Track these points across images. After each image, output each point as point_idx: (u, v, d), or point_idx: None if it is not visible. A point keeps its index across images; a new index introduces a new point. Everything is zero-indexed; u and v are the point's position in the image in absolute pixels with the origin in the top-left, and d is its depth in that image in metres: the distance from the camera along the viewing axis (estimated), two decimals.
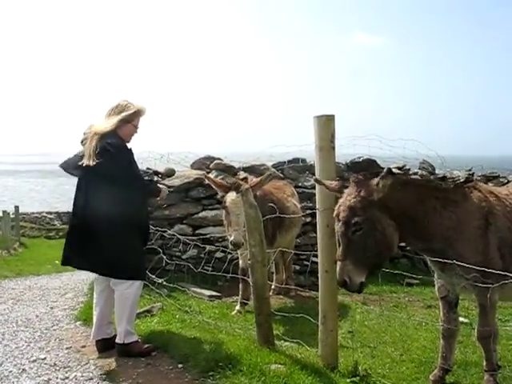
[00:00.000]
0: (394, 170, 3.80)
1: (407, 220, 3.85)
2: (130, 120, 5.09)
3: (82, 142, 5.13)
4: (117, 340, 5.11)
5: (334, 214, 3.87)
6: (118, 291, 5.08)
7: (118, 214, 4.81)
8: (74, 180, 5.09)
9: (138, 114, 5.15)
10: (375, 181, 3.74)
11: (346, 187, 3.96)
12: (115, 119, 4.99)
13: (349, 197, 3.80)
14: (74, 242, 5.11)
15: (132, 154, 5.11)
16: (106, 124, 4.99)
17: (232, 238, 5.94)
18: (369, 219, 3.72)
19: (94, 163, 4.82)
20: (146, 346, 5.16)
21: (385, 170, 3.74)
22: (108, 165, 4.83)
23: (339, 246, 3.81)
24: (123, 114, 5.02)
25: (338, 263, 3.79)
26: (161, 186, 5.49)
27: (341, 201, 3.86)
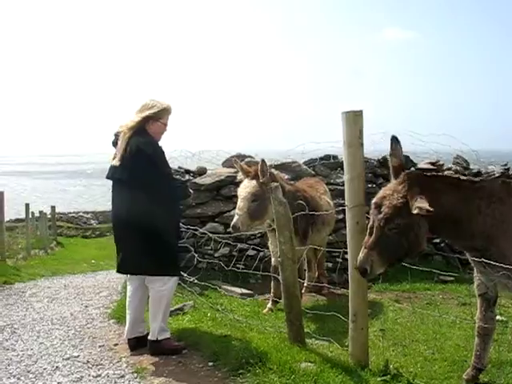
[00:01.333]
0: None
1: (449, 222, 3.76)
2: (158, 117, 5.12)
3: (113, 143, 5.18)
4: (149, 337, 5.16)
5: (374, 202, 3.76)
6: (153, 289, 5.12)
7: (150, 213, 4.85)
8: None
9: (165, 111, 5.19)
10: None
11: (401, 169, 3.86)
12: (142, 114, 5.05)
13: (396, 194, 3.67)
14: (119, 246, 5.20)
15: (162, 151, 5.14)
16: (134, 119, 5.05)
17: (233, 221, 5.92)
18: (410, 222, 3.63)
19: (128, 163, 4.89)
20: (177, 343, 5.20)
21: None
22: (143, 165, 4.87)
23: (369, 233, 3.74)
24: (150, 112, 5.07)
25: (364, 249, 3.72)
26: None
27: (386, 192, 3.73)
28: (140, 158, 4.87)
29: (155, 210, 4.88)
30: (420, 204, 3.47)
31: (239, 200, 5.88)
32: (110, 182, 5.16)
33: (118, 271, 5.36)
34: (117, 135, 5.13)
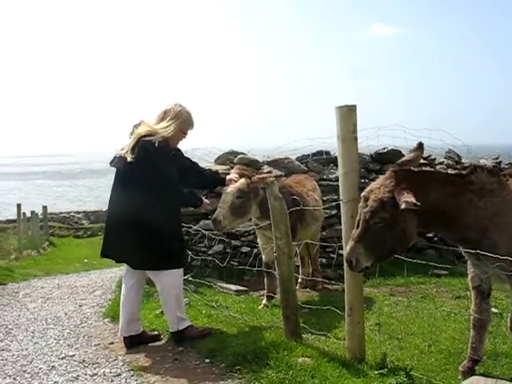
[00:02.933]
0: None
1: (440, 216, 3.77)
2: (182, 129, 5.18)
3: (131, 133, 5.20)
4: (170, 329, 5.24)
5: (363, 195, 3.79)
6: (159, 284, 5.17)
7: (147, 211, 4.88)
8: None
9: (191, 124, 5.27)
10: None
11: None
12: (174, 124, 5.08)
13: (383, 188, 3.68)
14: (112, 235, 5.18)
15: (170, 157, 5.13)
16: (168, 128, 5.06)
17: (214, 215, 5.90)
18: (395, 217, 3.63)
19: (131, 159, 4.91)
20: (202, 328, 5.28)
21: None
22: (144, 162, 4.88)
23: (357, 226, 3.76)
24: (182, 124, 5.14)
25: (351, 242, 3.75)
26: (205, 200, 5.52)
27: (374, 186, 3.76)
28: (141, 157, 4.89)
29: (151, 209, 4.88)
30: (407, 198, 3.49)
31: (224, 194, 5.87)
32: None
33: (105, 256, 5.37)
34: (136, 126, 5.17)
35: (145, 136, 4.93)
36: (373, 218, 3.65)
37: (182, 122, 5.15)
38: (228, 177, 5.87)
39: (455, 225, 3.82)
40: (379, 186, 3.72)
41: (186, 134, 5.27)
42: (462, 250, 4.04)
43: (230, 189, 5.82)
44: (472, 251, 3.80)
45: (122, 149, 5.05)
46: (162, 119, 5.11)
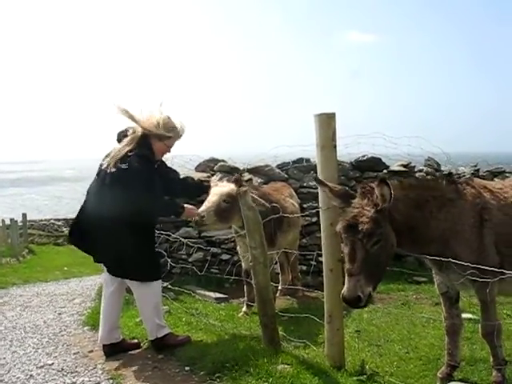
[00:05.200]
0: (387, 180, 3.59)
1: (407, 228, 3.76)
2: (169, 141, 5.19)
3: (118, 141, 5.22)
4: (149, 338, 5.22)
5: (346, 225, 3.64)
6: (137, 293, 5.16)
7: (124, 217, 4.83)
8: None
9: (177, 138, 5.26)
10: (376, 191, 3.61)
11: (350, 195, 3.82)
12: (158, 131, 5.08)
13: (367, 207, 3.62)
14: (90, 233, 5.12)
15: (155, 170, 5.14)
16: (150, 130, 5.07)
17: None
18: (386, 232, 3.62)
19: (114, 169, 4.91)
20: (182, 337, 5.26)
21: (378, 178, 3.62)
22: (126, 174, 4.86)
23: (349, 260, 3.60)
24: (168, 134, 5.13)
25: (350, 278, 3.57)
26: (190, 206, 5.43)
27: (356, 211, 3.63)
28: (126, 171, 4.87)
29: (125, 215, 4.85)
30: (383, 191, 3.52)
31: (211, 195, 5.84)
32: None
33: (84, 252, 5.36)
34: (125, 135, 5.16)
35: (131, 149, 4.93)
36: (370, 241, 3.56)
37: (172, 136, 5.18)
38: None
39: (421, 238, 3.84)
40: (361, 209, 3.65)
41: (171, 148, 5.28)
42: (425, 259, 4.07)
43: (219, 190, 5.80)
44: (437, 258, 3.81)
45: (108, 155, 5.05)
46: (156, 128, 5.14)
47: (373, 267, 3.59)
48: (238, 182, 5.72)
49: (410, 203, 3.80)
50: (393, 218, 3.69)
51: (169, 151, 5.31)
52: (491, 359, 4.06)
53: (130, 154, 4.90)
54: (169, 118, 5.16)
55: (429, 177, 3.68)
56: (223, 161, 9.04)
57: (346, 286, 3.60)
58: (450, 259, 3.69)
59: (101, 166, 5.09)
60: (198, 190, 6.09)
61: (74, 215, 5.42)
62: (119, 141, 5.21)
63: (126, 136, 5.13)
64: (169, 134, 5.12)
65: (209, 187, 5.83)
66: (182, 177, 5.78)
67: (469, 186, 4.01)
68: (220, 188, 5.85)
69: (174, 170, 5.83)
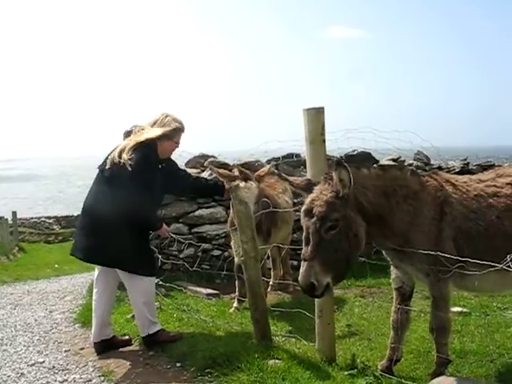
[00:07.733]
0: (344, 163, 3.54)
1: (376, 217, 3.73)
2: (172, 136, 5.15)
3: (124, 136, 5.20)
4: (141, 334, 5.22)
5: (304, 209, 3.63)
6: (129, 287, 5.16)
7: (122, 215, 4.82)
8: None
9: (179, 131, 5.23)
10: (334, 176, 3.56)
11: (313, 185, 3.76)
12: (156, 132, 5.05)
13: (325, 191, 3.59)
14: (86, 234, 5.13)
15: (157, 171, 5.11)
16: (149, 135, 5.02)
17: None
18: (345, 217, 3.55)
19: (118, 169, 4.88)
20: (173, 333, 5.28)
21: (334, 161, 3.56)
22: (128, 173, 4.82)
23: (306, 244, 3.57)
24: (165, 130, 5.09)
25: (304, 263, 3.54)
26: (165, 226, 5.37)
27: (313, 195, 3.62)
28: (125, 171, 4.83)
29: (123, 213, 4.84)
30: (341, 175, 3.49)
31: (244, 191, 5.71)
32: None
33: (74, 256, 5.25)
34: (128, 134, 5.14)
35: (135, 148, 4.91)
36: (324, 224, 3.51)
37: (174, 131, 5.15)
38: (227, 187, 5.74)
39: (388, 230, 3.82)
40: (319, 193, 3.63)
41: (178, 142, 5.28)
42: (385, 252, 4.07)
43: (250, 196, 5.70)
44: (398, 248, 3.82)
45: (114, 150, 5.02)
46: (152, 127, 5.13)
47: (329, 254, 3.51)
48: (247, 179, 5.69)
49: (379, 192, 3.76)
50: (362, 207, 3.66)
51: (177, 146, 5.33)
52: (435, 356, 4.03)
53: (131, 153, 4.89)
54: (168, 114, 5.17)
55: (394, 164, 3.66)
56: (213, 157, 9.04)
57: (300, 271, 3.58)
58: (408, 253, 3.72)
59: (103, 162, 5.08)
60: (211, 191, 6.09)
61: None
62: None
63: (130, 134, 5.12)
64: (176, 130, 5.16)
65: (224, 187, 5.69)
66: (195, 177, 5.78)
67: (432, 178, 4.00)
68: (248, 189, 5.76)
69: (184, 170, 5.88)
